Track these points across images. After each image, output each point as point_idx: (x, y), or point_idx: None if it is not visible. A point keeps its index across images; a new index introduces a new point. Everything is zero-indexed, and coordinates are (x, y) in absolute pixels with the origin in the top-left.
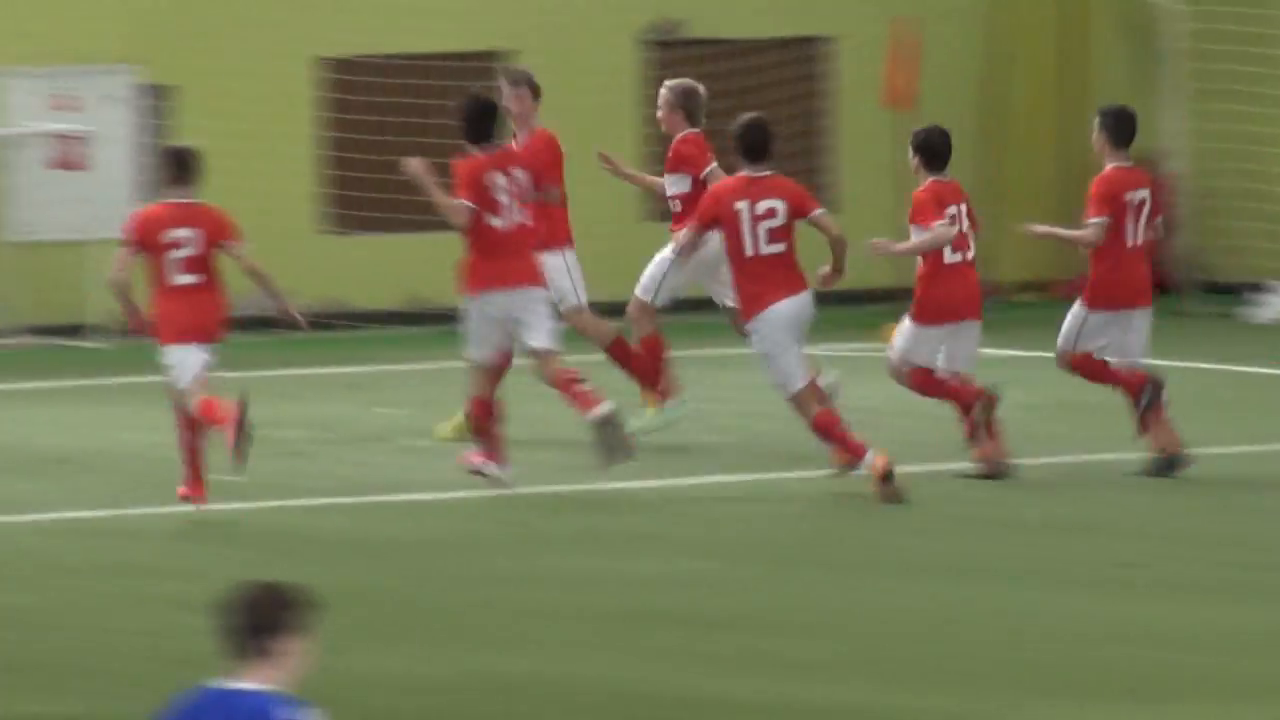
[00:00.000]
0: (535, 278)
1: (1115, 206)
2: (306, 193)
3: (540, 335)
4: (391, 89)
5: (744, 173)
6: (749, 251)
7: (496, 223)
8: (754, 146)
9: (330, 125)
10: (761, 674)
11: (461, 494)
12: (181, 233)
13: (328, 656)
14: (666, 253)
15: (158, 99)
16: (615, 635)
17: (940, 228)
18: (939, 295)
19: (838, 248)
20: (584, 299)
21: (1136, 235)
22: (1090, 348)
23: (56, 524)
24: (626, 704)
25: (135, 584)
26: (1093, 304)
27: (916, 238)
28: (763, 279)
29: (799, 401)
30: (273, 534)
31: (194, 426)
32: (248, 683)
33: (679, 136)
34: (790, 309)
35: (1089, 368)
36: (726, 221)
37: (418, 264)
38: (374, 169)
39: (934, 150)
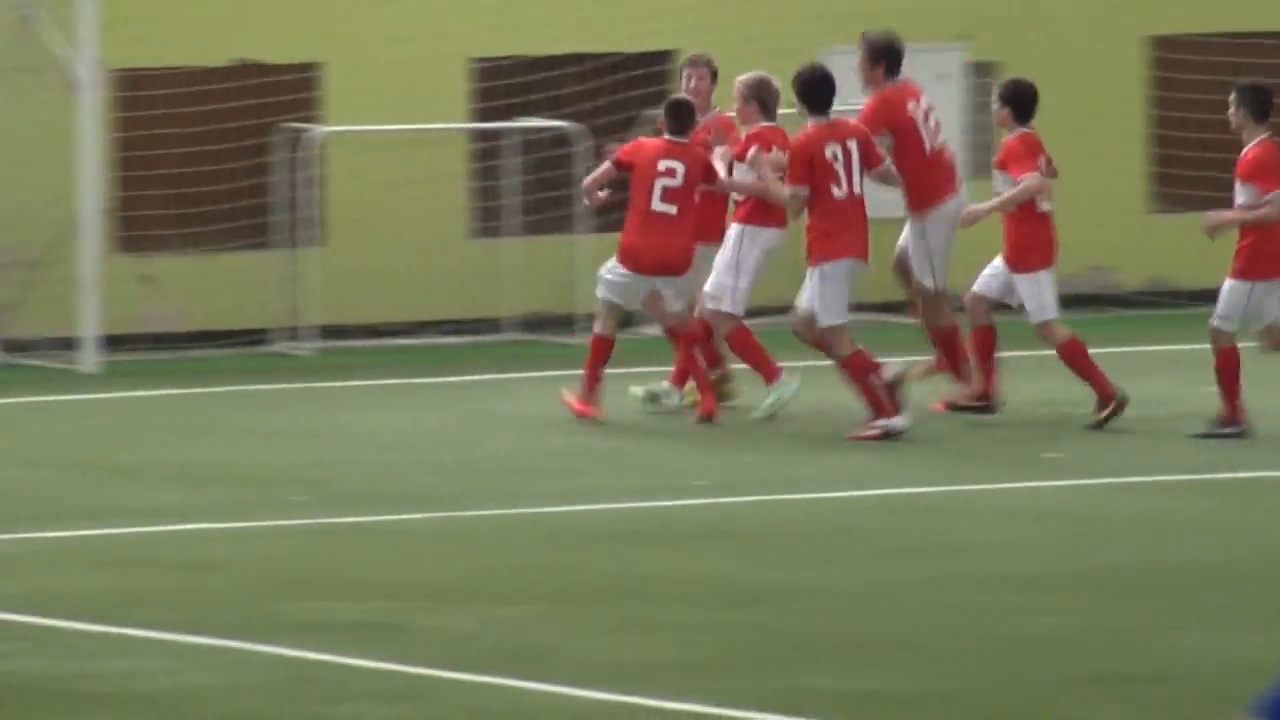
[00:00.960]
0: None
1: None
2: (1138, 172)
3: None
4: (1219, 67)
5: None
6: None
7: (836, 193)
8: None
9: (1160, 104)
10: None
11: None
12: (671, 163)
13: (1159, 638)
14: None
15: (984, 76)
16: None
17: (1031, 178)
18: (1035, 242)
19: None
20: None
21: None
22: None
23: (874, 500)
24: None
25: (958, 561)
26: (1245, 274)
27: (1005, 187)
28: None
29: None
30: (1073, 514)
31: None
32: None
33: (751, 130)
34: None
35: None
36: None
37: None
38: (1204, 148)
39: (1023, 102)
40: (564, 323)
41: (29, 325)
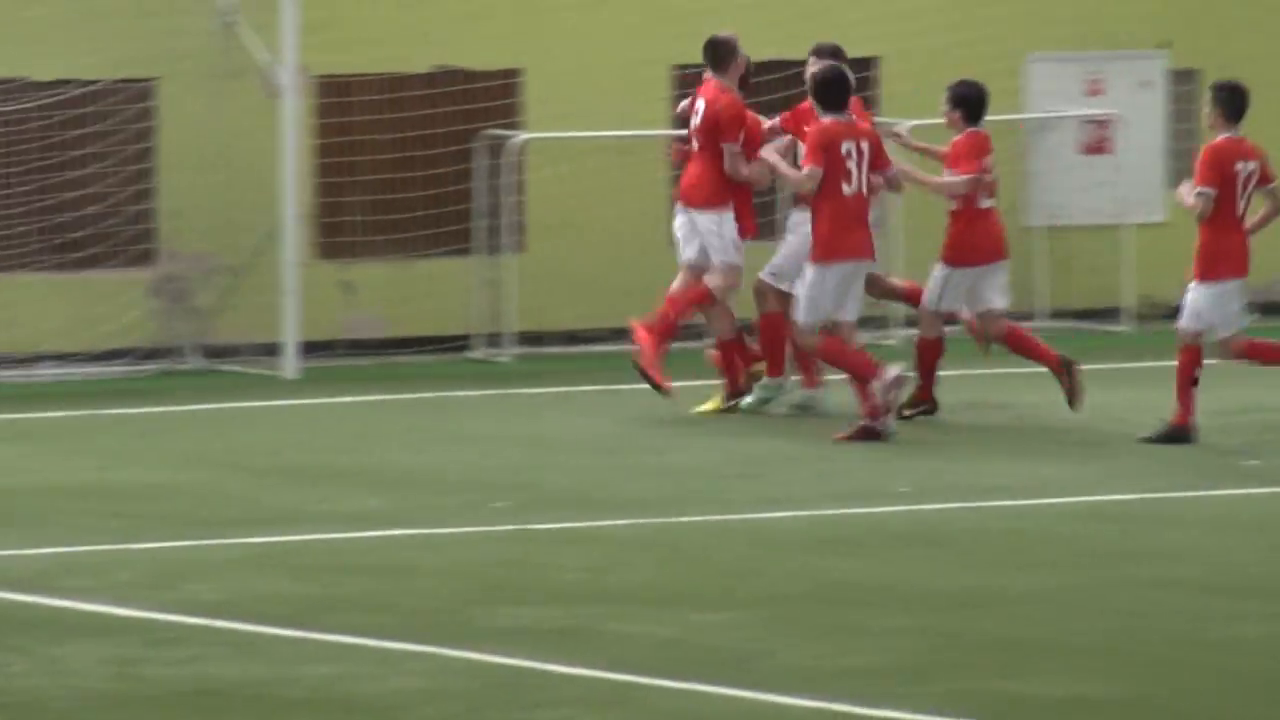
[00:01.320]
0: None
1: (1224, 176)
2: None
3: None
4: None
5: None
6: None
7: (846, 189)
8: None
9: None
10: None
11: None
12: (699, 102)
13: None
14: None
15: (1184, 84)
16: None
17: (962, 179)
18: (972, 239)
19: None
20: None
21: (1241, 206)
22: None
23: (1083, 506)
24: None
25: (1161, 567)
26: (1202, 277)
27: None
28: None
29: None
30: (1276, 521)
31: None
32: None
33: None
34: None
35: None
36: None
37: None
38: None
39: (972, 103)
40: None
41: (230, 331)
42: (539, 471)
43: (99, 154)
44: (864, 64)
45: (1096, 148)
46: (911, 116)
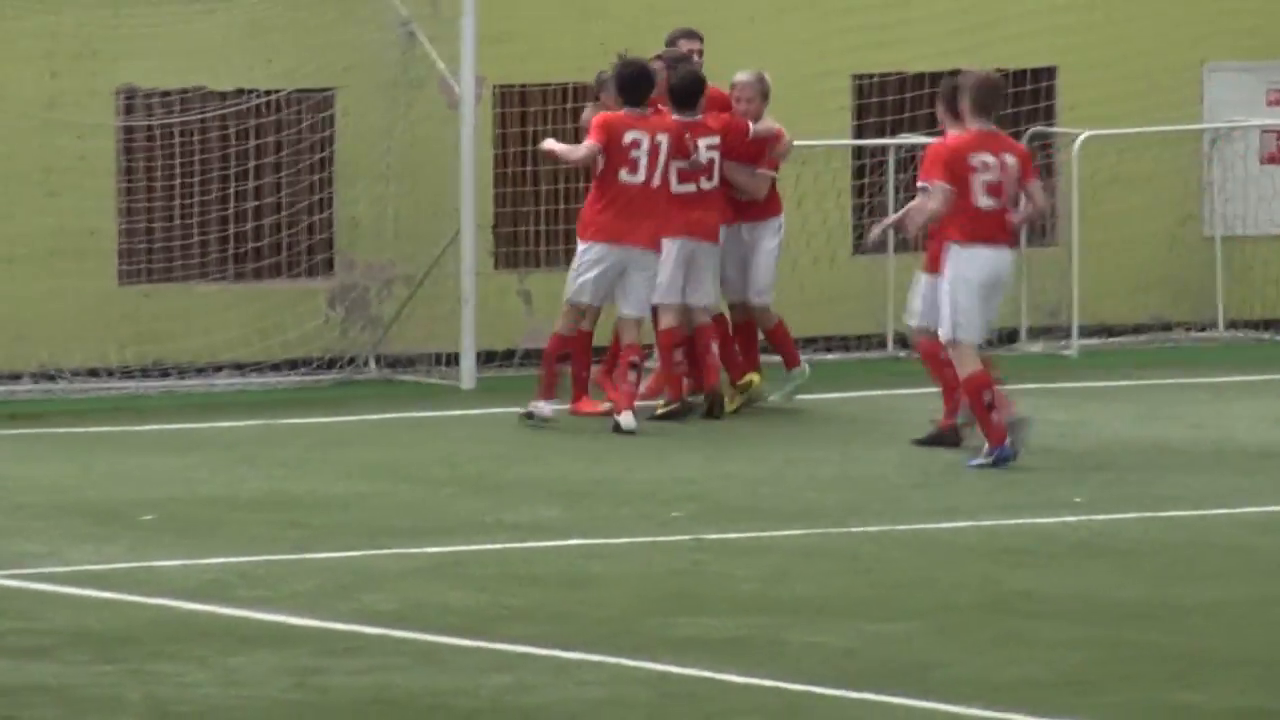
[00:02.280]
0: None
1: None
2: None
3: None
4: None
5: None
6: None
7: (630, 180)
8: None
9: None
10: None
11: None
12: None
13: None
14: None
15: None
16: None
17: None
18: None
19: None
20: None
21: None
22: None
23: (1259, 517)
24: None
25: None
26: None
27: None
28: None
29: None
30: None
31: None
32: None
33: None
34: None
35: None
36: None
37: None
38: None
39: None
40: None
41: (408, 341)
42: (714, 481)
43: (277, 164)
44: (1041, 74)
45: (1277, 158)
46: (1089, 125)
